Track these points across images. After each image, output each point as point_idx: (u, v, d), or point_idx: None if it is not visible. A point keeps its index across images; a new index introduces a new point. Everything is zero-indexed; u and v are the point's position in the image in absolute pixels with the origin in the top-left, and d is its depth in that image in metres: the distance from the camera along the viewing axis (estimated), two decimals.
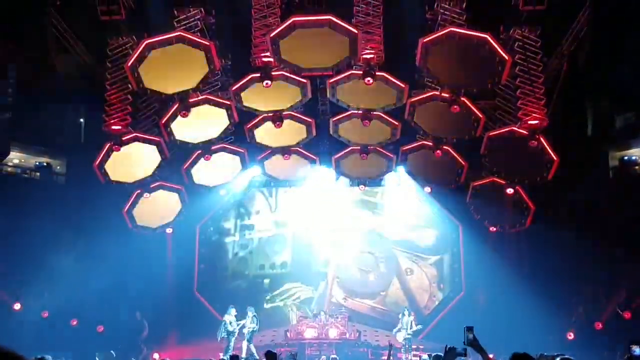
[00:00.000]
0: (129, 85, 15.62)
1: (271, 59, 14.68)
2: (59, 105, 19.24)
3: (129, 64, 14.30)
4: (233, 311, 16.85)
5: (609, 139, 18.58)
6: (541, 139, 15.50)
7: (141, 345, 16.85)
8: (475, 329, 4.99)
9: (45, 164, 19.54)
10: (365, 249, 20.79)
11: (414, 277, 20.63)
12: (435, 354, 6.98)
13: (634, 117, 18.74)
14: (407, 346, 16.75)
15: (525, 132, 15.57)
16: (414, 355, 16.69)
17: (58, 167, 20.04)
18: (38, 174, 19.33)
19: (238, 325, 16.45)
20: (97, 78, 17.43)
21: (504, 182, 16.65)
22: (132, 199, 17.55)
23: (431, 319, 19.64)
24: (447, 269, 20.72)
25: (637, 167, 18.88)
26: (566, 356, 4.94)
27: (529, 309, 18.55)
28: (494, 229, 18.20)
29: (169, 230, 19.26)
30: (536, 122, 15.53)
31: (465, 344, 4.88)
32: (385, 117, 16.46)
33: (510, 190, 16.64)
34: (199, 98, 15.83)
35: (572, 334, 17.30)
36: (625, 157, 18.69)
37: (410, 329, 16.78)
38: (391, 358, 13.79)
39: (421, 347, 18.42)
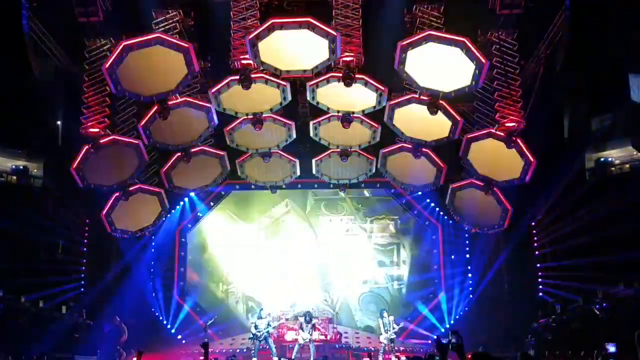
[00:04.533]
0: (107, 88, 15.50)
1: (250, 62, 14.65)
2: (36, 108, 18.98)
3: (107, 66, 14.14)
4: (263, 313, 16.64)
5: (585, 141, 18.80)
6: (518, 141, 15.65)
7: (120, 350, 16.68)
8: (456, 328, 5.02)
9: (22, 167, 19.24)
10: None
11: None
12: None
13: (610, 119, 18.99)
14: (389, 347, 16.79)
15: (502, 134, 15.73)
16: (396, 356, 16.73)
17: (35, 170, 19.75)
18: (15, 177, 19.02)
19: (266, 328, 16.21)
20: (74, 80, 17.29)
21: (482, 184, 16.78)
22: (110, 202, 17.40)
23: (412, 319, 19.73)
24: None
25: (613, 169, 19.12)
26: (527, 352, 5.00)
27: (508, 307, 18.81)
28: (473, 231, 18.35)
29: (148, 234, 19.14)
30: (513, 124, 15.70)
31: (451, 349, 4.91)
32: (365, 119, 16.52)
33: (488, 192, 16.76)
34: (178, 100, 15.73)
35: (550, 335, 17.46)
36: (602, 159, 18.90)
37: (392, 329, 16.83)
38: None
39: (402, 348, 18.54)
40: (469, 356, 4.89)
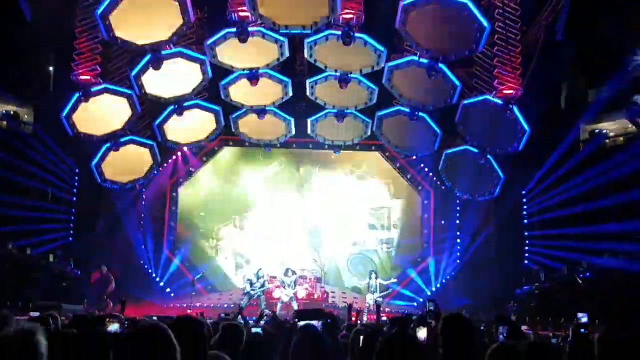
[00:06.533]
0: (100, 34, 15.14)
1: (248, 14, 14.32)
2: (28, 52, 18.58)
3: (99, 11, 13.81)
4: (261, 273, 16.99)
5: (581, 111, 18.73)
6: (514, 108, 15.54)
7: (107, 300, 16.75)
8: (441, 292, 5.09)
9: (12, 112, 18.96)
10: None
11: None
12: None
13: (607, 92, 18.88)
14: (375, 308, 16.95)
15: (499, 101, 15.60)
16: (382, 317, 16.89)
17: (26, 116, 19.47)
18: (5, 122, 18.75)
19: (260, 288, 16.68)
20: (67, 25, 16.87)
21: (476, 150, 16.73)
22: (101, 153, 17.21)
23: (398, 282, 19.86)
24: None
25: (607, 141, 19.12)
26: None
27: (494, 273, 18.99)
28: (465, 197, 18.38)
29: (139, 187, 19.03)
30: (511, 91, 15.56)
31: (428, 318, 4.95)
32: (363, 80, 16.31)
33: (481, 159, 16.73)
34: (172, 51, 15.43)
35: (533, 302, 17.68)
36: (596, 130, 18.89)
37: (381, 292, 16.97)
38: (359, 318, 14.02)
39: (387, 309, 18.74)
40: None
